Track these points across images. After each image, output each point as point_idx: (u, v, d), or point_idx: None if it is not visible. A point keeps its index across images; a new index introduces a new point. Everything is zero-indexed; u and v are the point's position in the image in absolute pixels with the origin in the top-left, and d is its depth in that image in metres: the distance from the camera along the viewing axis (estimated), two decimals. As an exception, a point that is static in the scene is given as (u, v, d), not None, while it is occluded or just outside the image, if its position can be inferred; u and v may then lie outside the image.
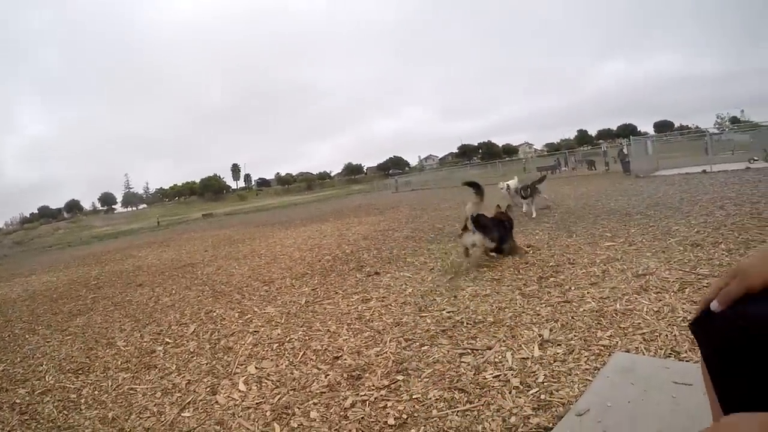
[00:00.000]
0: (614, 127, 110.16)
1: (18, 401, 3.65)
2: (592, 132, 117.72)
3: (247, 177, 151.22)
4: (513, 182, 10.26)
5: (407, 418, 2.39)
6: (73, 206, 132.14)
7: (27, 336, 5.64)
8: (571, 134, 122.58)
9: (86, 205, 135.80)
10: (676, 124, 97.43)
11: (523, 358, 2.82)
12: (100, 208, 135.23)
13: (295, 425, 2.53)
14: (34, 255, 29.21)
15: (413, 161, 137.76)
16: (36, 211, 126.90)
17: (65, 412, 3.32)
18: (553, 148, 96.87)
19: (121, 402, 3.31)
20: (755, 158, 17.15)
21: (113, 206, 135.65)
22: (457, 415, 2.33)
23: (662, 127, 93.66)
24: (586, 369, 2.55)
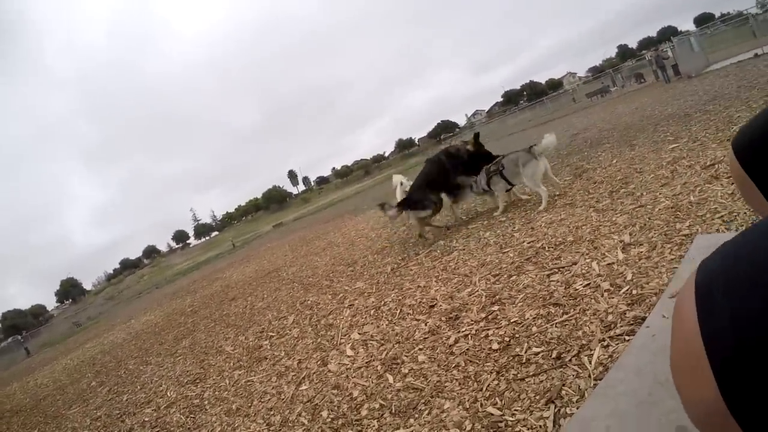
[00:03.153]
0: (654, 34, 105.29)
1: (147, 419, 3.98)
2: (633, 45, 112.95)
3: (306, 179, 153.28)
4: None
5: (510, 340, 2.50)
6: (151, 251, 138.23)
7: (141, 368, 6.04)
8: (612, 52, 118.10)
9: (162, 248, 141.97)
10: (717, 14, 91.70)
11: (609, 264, 2.87)
12: (176, 246, 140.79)
13: (407, 371, 2.70)
14: (127, 304, 30.72)
15: (461, 121, 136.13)
16: (118, 266, 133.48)
17: (192, 415, 3.61)
18: (597, 71, 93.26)
19: (242, 393, 3.58)
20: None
21: (187, 241, 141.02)
22: (556, 326, 2.44)
23: (703, 21, 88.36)
24: (672, 259, 2.58)
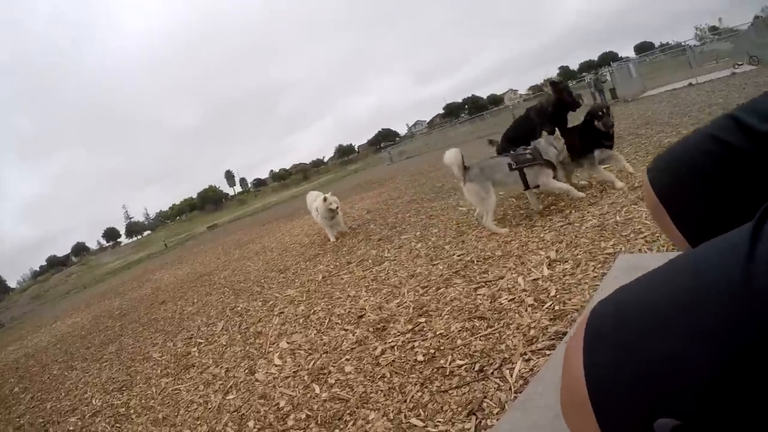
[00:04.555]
0: (595, 58, 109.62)
1: (71, 429, 3.83)
2: (574, 66, 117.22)
3: (243, 181, 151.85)
4: (318, 200, 7.56)
5: (435, 352, 2.53)
6: (80, 249, 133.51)
7: (66, 373, 5.79)
8: (554, 72, 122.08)
9: (92, 245, 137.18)
10: (657, 44, 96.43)
11: (534, 279, 2.96)
12: (107, 244, 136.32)
13: (333, 381, 2.69)
14: (53, 304, 29.41)
15: (402, 130, 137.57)
16: (45, 263, 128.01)
17: (117, 425, 3.48)
18: (537, 90, 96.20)
19: (168, 402, 3.48)
20: (739, 63, 17.10)
21: (118, 240, 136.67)
22: (480, 339, 2.48)
23: (643, 48, 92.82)
24: (595, 276, 2.68)
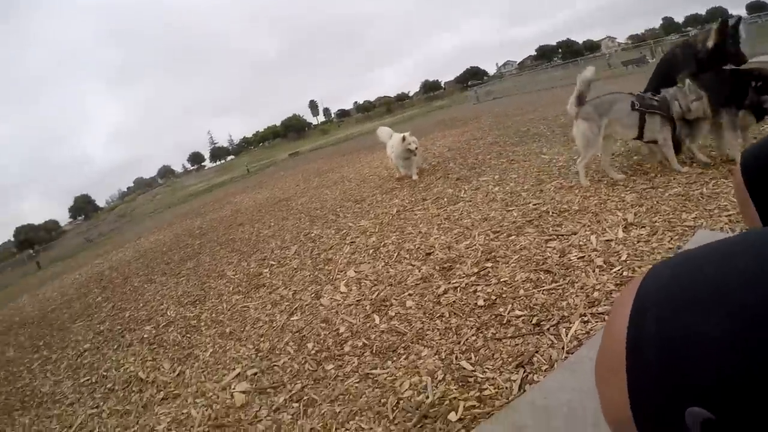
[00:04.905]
0: (703, 12, 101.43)
1: (146, 336, 4.12)
2: (679, 19, 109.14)
3: (327, 111, 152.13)
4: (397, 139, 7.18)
5: (496, 299, 2.56)
6: (166, 171, 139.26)
7: (145, 286, 6.16)
8: (657, 23, 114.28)
9: (177, 168, 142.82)
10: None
11: (607, 240, 2.89)
12: (191, 167, 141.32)
13: (393, 314, 2.79)
14: (138, 222, 30.88)
15: (491, 70, 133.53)
16: (132, 184, 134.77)
17: (188, 335, 3.73)
18: (637, 40, 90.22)
19: (237, 318, 3.69)
20: None
21: (203, 164, 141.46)
22: (542, 293, 2.48)
23: (756, 8, 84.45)
24: (669, 248, 2.58)
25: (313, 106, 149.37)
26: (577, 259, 2.76)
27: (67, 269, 14.79)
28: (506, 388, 1.85)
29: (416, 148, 6.87)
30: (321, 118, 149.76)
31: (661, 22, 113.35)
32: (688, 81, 3.78)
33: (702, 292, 0.48)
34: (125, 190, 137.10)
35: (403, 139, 6.85)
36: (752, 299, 0.43)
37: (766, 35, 23.67)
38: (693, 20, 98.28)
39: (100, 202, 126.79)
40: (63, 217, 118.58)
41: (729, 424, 0.41)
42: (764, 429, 0.40)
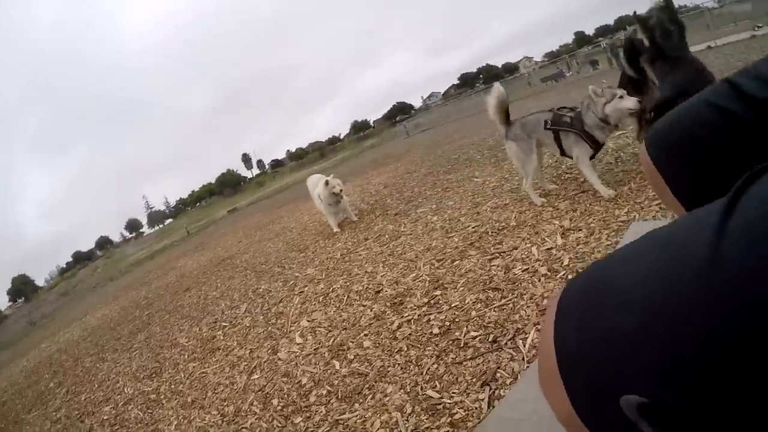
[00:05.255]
0: (611, 22, 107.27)
1: (105, 417, 3.94)
2: (590, 32, 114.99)
3: (260, 162, 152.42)
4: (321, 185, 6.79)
5: (450, 325, 2.58)
6: (104, 242, 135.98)
7: (98, 365, 5.91)
8: (569, 38, 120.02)
9: (116, 238, 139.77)
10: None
11: (548, 249, 2.97)
12: (129, 235, 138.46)
13: (352, 357, 2.76)
14: (82, 299, 29.85)
15: (417, 103, 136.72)
16: (71, 259, 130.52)
17: (149, 411, 3.59)
18: (553, 57, 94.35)
19: (197, 385, 3.58)
20: (759, 25, 16.54)
21: (141, 230, 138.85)
22: (494, 310, 2.52)
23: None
24: (608, 245, 2.69)
25: (246, 159, 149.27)
26: (522, 272, 2.82)
27: (13, 356, 14.01)
28: (476, 408, 1.86)
29: (341, 191, 6.55)
30: (255, 170, 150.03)
31: (573, 36, 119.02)
32: (593, 87, 3.54)
33: (608, 293, 0.50)
34: (64, 265, 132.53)
35: (327, 183, 6.54)
36: (655, 298, 0.45)
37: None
38: (604, 31, 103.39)
39: (39, 281, 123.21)
40: (2, 301, 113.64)
41: (663, 405, 0.43)
42: (696, 402, 0.42)
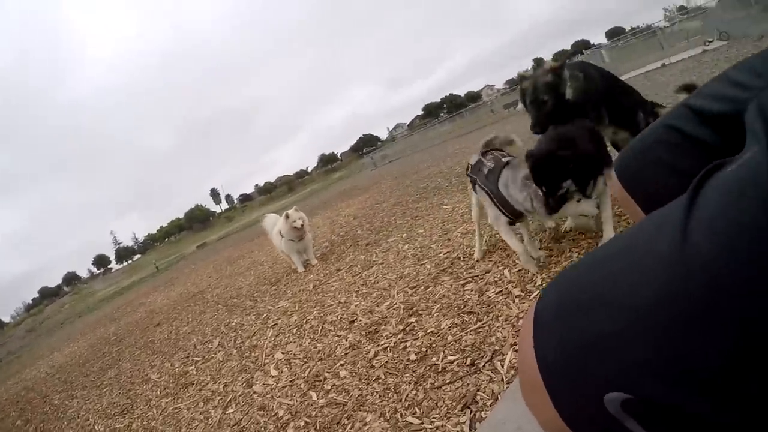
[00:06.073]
0: (569, 47, 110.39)
1: None
2: (548, 57, 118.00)
3: (228, 197, 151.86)
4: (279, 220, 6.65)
5: (427, 350, 2.57)
6: (71, 278, 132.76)
7: (67, 402, 5.77)
8: (528, 65, 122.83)
9: (83, 273, 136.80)
10: (627, 28, 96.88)
11: (519, 270, 3.00)
12: (97, 271, 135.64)
13: (329, 387, 2.73)
14: (49, 335, 29.02)
15: (383, 134, 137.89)
16: (37, 295, 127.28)
17: (121, 449, 3.49)
18: (514, 83, 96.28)
19: (170, 422, 3.50)
20: (709, 40, 17.21)
21: (109, 266, 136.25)
22: (470, 334, 2.52)
23: (614, 34, 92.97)
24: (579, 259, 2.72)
25: (214, 194, 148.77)
26: (496, 294, 2.83)
27: (-23, 392, 13.50)
28: (457, 431, 1.85)
29: (303, 225, 6.16)
30: (224, 205, 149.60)
31: (532, 63, 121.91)
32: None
33: (583, 299, 0.52)
34: (30, 302, 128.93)
35: (287, 216, 6.16)
36: (627, 299, 0.47)
37: (626, 56, 25.92)
38: (561, 55, 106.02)
39: (5, 317, 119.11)
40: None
41: (650, 400, 0.44)
42: (678, 395, 0.43)
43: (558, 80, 2.82)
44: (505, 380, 2.00)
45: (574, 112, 2.80)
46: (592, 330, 0.49)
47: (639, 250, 0.50)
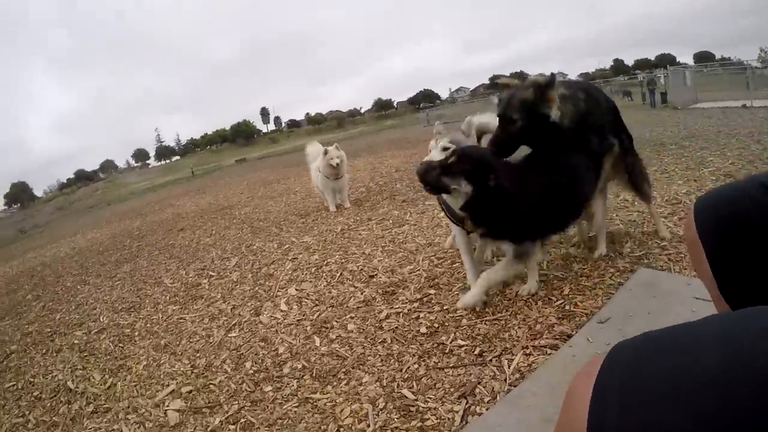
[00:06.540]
0: (652, 57, 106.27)
1: (76, 342, 3.90)
2: (629, 62, 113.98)
3: (277, 119, 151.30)
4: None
5: (438, 327, 2.55)
6: (108, 166, 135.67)
7: (78, 287, 5.88)
8: (607, 64, 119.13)
9: (121, 164, 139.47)
10: (717, 56, 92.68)
11: (548, 276, 2.93)
12: (135, 164, 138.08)
13: (334, 337, 2.74)
14: (76, 217, 29.78)
15: (444, 94, 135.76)
16: (72, 176, 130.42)
17: (121, 345, 3.56)
18: (587, 78, 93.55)
19: (172, 330, 3.56)
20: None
21: (147, 162, 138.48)
22: (485, 323, 2.48)
23: (703, 58, 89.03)
24: (611, 284, 2.62)
25: (264, 113, 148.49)
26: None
27: (-3, 259, 14.03)
28: (448, 419, 1.84)
29: (339, 164, 5.91)
30: (271, 126, 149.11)
31: (611, 63, 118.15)
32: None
33: (664, 385, 0.47)
34: (65, 181, 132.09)
35: (325, 152, 5.97)
36: (712, 404, 0.43)
37: (709, 84, 24.85)
38: (643, 64, 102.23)
39: (38, 192, 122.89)
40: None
41: None
42: None
43: (539, 100, 2.43)
44: (507, 381, 1.97)
45: (568, 139, 2.57)
46: (660, 422, 0.45)
47: (731, 354, 0.46)
